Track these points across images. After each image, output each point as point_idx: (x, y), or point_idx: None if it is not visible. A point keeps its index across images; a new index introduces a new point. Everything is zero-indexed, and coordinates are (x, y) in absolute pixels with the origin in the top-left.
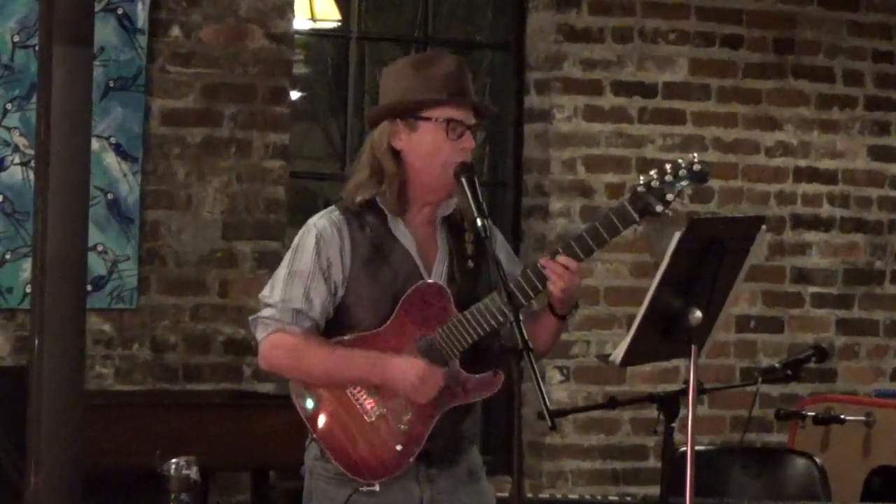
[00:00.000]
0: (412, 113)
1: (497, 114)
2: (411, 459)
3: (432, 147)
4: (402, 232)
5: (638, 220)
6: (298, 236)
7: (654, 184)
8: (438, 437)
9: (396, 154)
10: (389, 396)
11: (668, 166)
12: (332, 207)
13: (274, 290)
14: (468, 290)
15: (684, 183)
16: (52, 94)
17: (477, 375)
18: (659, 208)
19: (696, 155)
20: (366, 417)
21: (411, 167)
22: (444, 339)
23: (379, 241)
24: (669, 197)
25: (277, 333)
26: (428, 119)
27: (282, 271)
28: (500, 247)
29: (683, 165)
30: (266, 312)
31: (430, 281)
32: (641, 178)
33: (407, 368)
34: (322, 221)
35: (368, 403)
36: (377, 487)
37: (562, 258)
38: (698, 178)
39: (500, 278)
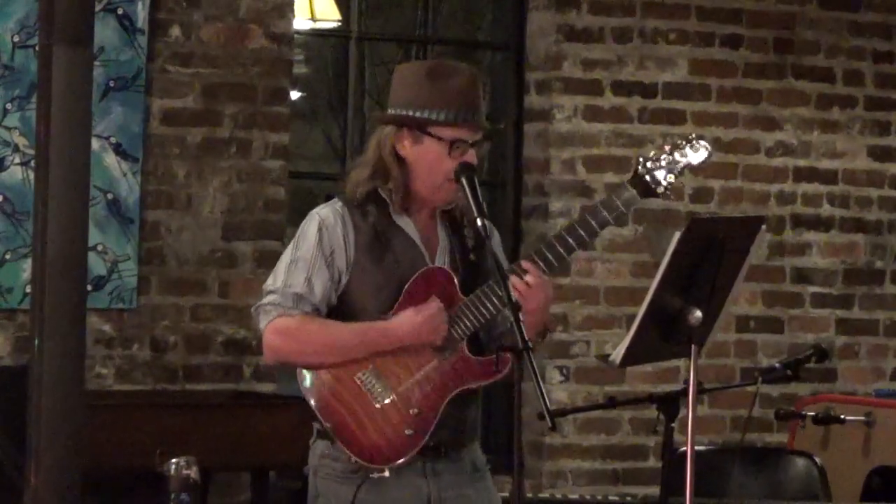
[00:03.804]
0: (418, 127)
1: (496, 115)
2: (421, 444)
3: (434, 161)
4: (404, 221)
5: (638, 198)
6: (301, 225)
7: (652, 164)
8: (445, 426)
9: (401, 159)
10: (398, 382)
11: (666, 147)
12: (335, 199)
13: (276, 278)
14: (470, 280)
15: (684, 163)
16: (52, 94)
17: (483, 358)
18: (660, 189)
19: (694, 135)
20: (375, 403)
21: (413, 174)
22: (451, 322)
23: (382, 229)
24: (670, 178)
25: (278, 318)
26: (433, 136)
27: (284, 259)
28: (497, 246)
29: (682, 145)
30: (268, 299)
31: (434, 265)
32: (640, 158)
33: (406, 319)
34: (325, 210)
35: (377, 389)
36: (387, 473)
37: (525, 264)
38: (698, 157)
39: (501, 279)
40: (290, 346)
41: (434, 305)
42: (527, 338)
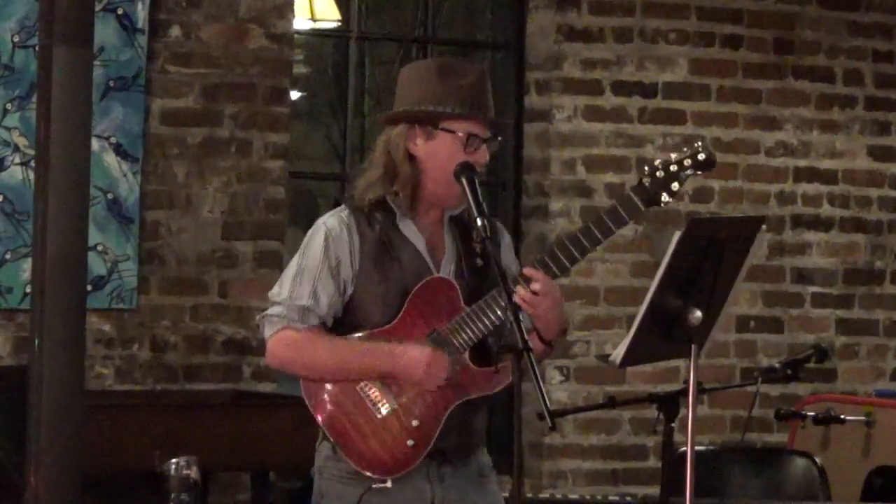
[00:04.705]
0: (431, 122)
1: (496, 115)
2: (423, 455)
3: (448, 157)
4: (410, 230)
5: (643, 209)
6: (308, 235)
7: (657, 173)
8: (450, 434)
9: (412, 158)
10: (400, 392)
11: (673, 155)
12: (342, 206)
13: (282, 289)
14: (477, 286)
15: (689, 172)
16: (52, 94)
17: (484, 369)
18: (664, 198)
19: (699, 144)
20: (377, 414)
21: (425, 172)
22: (453, 333)
23: (388, 239)
24: (675, 187)
25: (284, 331)
26: (447, 130)
27: (290, 270)
28: (507, 248)
29: (688, 154)
30: (273, 310)
31: (438, 275)
32: (646, 167)
33: (415, 355)
34: (332, 220)
35: (379, 400)
36: (389, 484)
37: (529, 270)
38: (704, 166)
39: (499, 278)
40: (294, 359)
41: (445, 360)
42: (547, 339)
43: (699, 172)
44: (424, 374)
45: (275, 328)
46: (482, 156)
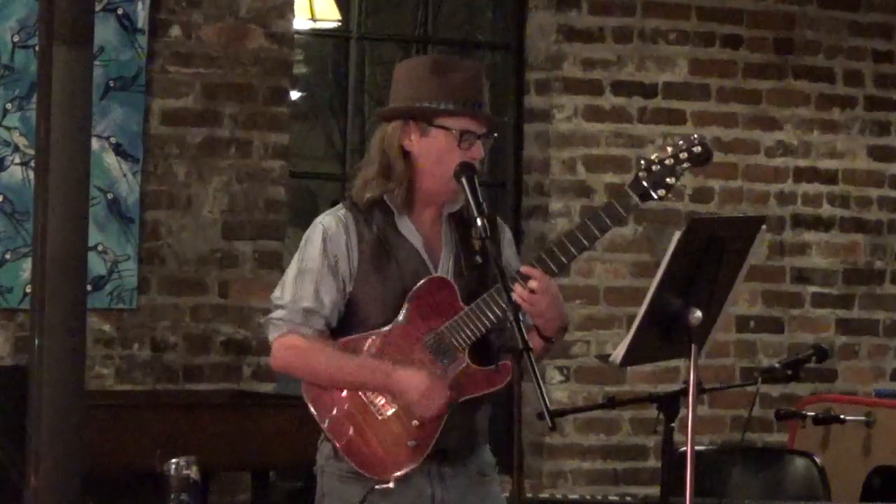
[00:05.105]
0: (426, 118)
1: (496, 115)
2: (425, 455)
3: (442, 154)
4: (408, 229)
5: (640, 204)
6: (306, 235)
7: (653, 168)
8: (452, 433)
9: (406, 154)
10: None
11: (668, 149)
12: (339, 205)
13: (284, 291)
14: (476, 284)
15: (685, 166)
16: (52, 94)
17: (486, 367)
18: (660, 193)
19: (695, 136)
20: (378, 415)
21: (419, 169)
22: (451, 333)
23: (385, 238)
24: (670, 181)
25: (287, 335)
26: (441, 127)
27: (291, 271)
28: (508, 244)
29: (684, 148)
30: (277, 314)
31: (436, 275)
32: (642, 162)
33: (412, 383)
34: (328, 219)
35: (380, 401)
36: (392, 485)
37: (526, 269)
38: (699, 159)
39: (500, 279)
40: (297, 364)
41: (444, 391)
42: (546, 335)
43: (695, 166)
44: (417, 403)
45: (279, 332)
46: (477, 152)
